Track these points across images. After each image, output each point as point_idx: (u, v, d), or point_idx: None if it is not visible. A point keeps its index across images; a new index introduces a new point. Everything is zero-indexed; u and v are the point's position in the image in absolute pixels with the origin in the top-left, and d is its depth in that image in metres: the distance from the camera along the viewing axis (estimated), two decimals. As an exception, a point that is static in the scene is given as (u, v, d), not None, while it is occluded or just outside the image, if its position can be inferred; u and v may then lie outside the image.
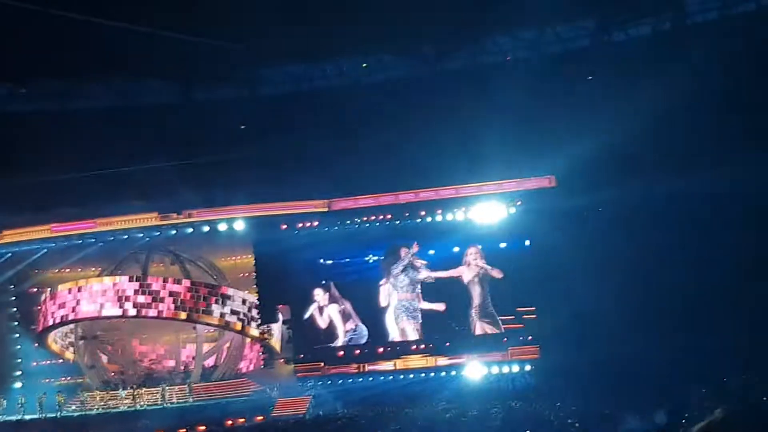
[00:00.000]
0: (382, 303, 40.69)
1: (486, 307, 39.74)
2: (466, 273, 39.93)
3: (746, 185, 32.51)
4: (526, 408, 27.57)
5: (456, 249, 40.31)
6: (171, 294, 40.30)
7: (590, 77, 40.61)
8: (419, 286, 40.51)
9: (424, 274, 40.30)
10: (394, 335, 40.64)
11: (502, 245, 39.98)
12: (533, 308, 38.60)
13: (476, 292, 39.75)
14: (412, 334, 40.50)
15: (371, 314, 40.91)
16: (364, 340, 40.97)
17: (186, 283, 40.79)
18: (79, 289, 41.03)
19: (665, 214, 35.18)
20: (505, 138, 37.23)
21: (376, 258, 41.16)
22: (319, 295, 41.10)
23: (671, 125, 34.68)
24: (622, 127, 33.55)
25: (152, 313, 40.43)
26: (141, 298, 40.21)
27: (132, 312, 40.43)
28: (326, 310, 41.12)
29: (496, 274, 39.52)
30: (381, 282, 40.68)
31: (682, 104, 33.30)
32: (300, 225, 40.16)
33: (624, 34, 41.69)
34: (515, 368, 38.23)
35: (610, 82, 38.32)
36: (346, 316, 41.11)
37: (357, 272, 41.34)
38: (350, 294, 41.16)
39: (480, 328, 39.71)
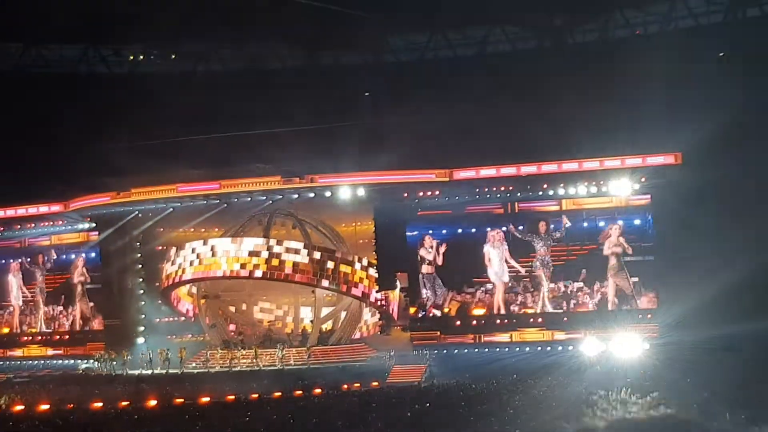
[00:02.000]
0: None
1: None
2: (605, 247, 39.44)
3: None
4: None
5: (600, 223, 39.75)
6: (295, 258, 40.81)
7: (722, 53, 39.66)
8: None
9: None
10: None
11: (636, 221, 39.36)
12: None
13: (612, 267, 39.32)
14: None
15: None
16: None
17: (309, 248, 41.18)
18: (205, 249, 41.79)
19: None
20: (632, 113, 36.68)
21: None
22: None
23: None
24: (754, 105, 32.72)
25: (277, 275, 40.93)
26: (267, 260, 40.62)
27: (258, 273, 40.90)
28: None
29: (629, 251, 38.95)
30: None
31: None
32: (421, 194, 40.13)
33: (759, 9, 40.65)
34: (633, 345, 37.17)
35: (742, 59, 37.43)
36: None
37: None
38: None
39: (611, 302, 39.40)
